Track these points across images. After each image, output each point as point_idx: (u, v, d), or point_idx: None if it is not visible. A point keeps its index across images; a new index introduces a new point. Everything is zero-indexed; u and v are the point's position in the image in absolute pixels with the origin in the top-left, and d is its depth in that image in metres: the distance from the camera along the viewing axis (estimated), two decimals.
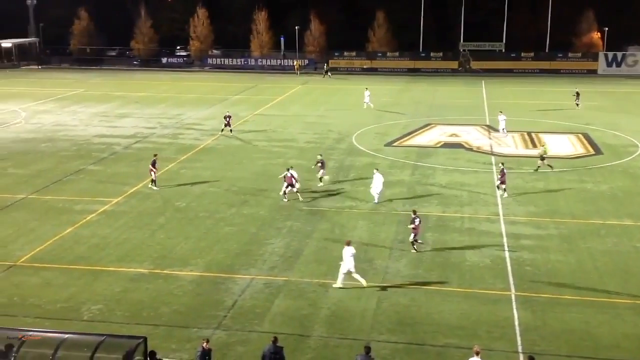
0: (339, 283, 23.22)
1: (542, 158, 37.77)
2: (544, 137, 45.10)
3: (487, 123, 51.66)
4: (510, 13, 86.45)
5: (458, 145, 44.55)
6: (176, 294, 22.89)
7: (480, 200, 32.92)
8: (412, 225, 26.05)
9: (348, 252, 23.19)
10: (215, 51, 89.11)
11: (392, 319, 21.20)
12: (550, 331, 20.48)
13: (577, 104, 57.40)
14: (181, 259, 25.74)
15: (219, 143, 45.00)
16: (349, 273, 23.14)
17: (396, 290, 23.10)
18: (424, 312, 21.65)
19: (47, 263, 25.18)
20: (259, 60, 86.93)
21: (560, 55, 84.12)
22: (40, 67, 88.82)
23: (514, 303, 22.26)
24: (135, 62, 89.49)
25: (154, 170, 33.91)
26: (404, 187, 35.01)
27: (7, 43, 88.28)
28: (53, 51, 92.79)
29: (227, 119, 47.26)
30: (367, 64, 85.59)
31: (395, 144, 45.04)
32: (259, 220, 30.00)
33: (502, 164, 34.37)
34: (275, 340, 17.48)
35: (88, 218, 29.91)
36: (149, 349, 16.82)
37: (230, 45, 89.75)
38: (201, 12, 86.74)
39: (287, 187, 32.13)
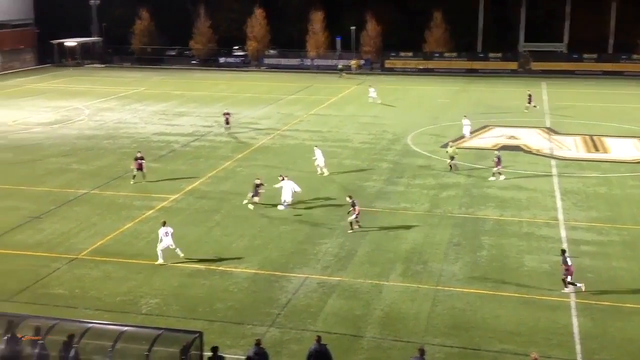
0: (160, 260, 24.77)
1: (452, 158, 37.35)
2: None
3: (547, 125, 50.58)
4: (572, 13, 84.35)
5: (517, 148, 43.73)
6: (231, 290, 23.16)
7: (539, 204, 32.25)
8: (354, 210, 28.02)
9: (162, 231, 24.79)
10: (271, 51, 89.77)
11: (447, 323, 20.97)
12: (610, 340, 19.93)
13: (534, 106, 55.83)
14: (236, 256, 26.03)
15: (275, 142, 45.32)
16: (167, 249, 24.69)
17: (451, 294, 22.84)
18: (480, 316, 21.34)
19: (108, 257, 25.81)
20: (315, 60, 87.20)
21: (625, 57, 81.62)
22: (103, 65, 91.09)
23: (573, 310, 21.74)
24: (193, 62, 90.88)
25: (139, 165, 35.08)
26: (459, 189, 34.58)
27: (71, 42, 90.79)
28: (115, 50, 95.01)
29: (226, 117, 47.64)
30: (423, 64, 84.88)
31: (451, 145, 44.42)
32: (313, 219, 30.08)
33: (497, 151, 37.72)
34: (319, 339, 17.53)
35: (147, 214, 30.54)
36: (204, 344, 17.08)
37: (286, 45, 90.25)
38: (258, 13, 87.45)
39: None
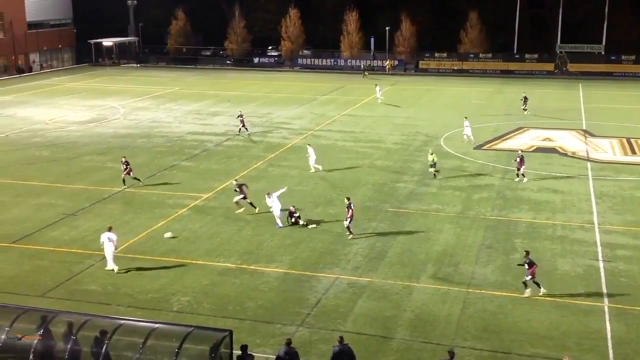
0: (109, 266, 24.27)
1: (433, 165, 36.26)
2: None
3: (584, 128, 49.77)
4: (611, 14, 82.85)
5: (552, 150, 43.14)
6: (261, 289, 23.25)
7: (574, 207, 31.75)
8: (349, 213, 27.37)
9: (105, 236, 24.19)
10: (305, 51, 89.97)
11: (478, 326, 20.76)
12: None
13: (523, 109, 55.09)
14: (267, 255, 26.13)
15: (307, 142, 45.31)
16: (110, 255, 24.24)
17: (482, 296, 22.61)
18: (511, 320, 21.08)
19: (140, 254, 26.12)
20: (349, 60, 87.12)
21: None
22: (138, 65, 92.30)
23: (606, 315, 21.35)
24: (228, 62, 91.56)
25: (129, 170, 34.23)
26: (493, 191, 34.22)
27: (108, 42, 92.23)
28: (151, 50, 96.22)
29: (241, 119, 47.26)
30: (457, 65, 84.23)
31: (485, 147, 44.09)
32: (344, 220, 29.98)
33: (520, 150, 37.09)
34: (341, 339, 17.56)
35: (179, 212, 30.83)
36: (234, 343, 17.16)
37: (320, 46, 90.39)
38: (293, 13, 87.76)
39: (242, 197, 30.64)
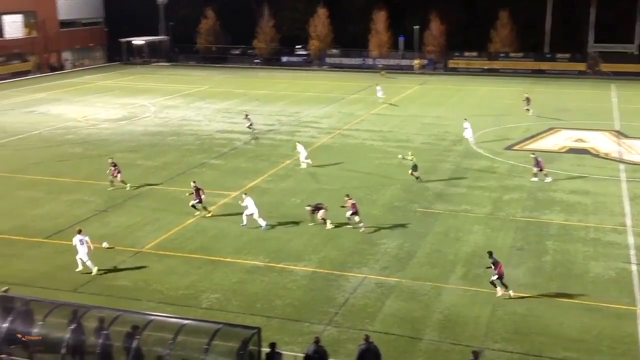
0: (90, 267, 24.14)
1: (414, 168, 35.52)
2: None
3: (617, 128, 49.02)
4: None
5: (584, 151, 42.54)
6: (290, 287, 23.30)
7: (606, 209, 31.28)
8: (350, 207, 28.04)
9: (77, 239, 24.11)
10: (333, 50, 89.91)
11: (508, 328, 20.57)
12: None
13: (526, 109, 54.20)
14: (295, 254, 26.18)
15: (335, 141, 45.36)
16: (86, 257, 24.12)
17: (512, 298, 22.37)
18: (542, 322, 20.84)
19: (170, 251, 26.35)
20: (377, 59, 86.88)
21: None
22: (169, 64, 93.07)
23: (639, 319, 20.99)
24: (256, 61, 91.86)
25: (116, 172, 33.82)
26: (524, 192, 33.86)
27: (139, 41, 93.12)
28: (181, 49, 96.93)
29: (247, 118, 47.44)
30: (487, 64, 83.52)
31: (515, 147, 43.63)
32: (372, 219, 29.95)
33: (533, 153, 36.67)
34: (367, 337, 17.55)
35: (209, 209, 31.00)
36: (263, 340, 17.22)
37: (348, 45, 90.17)
38: (322, 12, 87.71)
39: (197, 201, 29.97)
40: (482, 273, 24.30)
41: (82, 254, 24.15)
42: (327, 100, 62.09)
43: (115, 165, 34.22)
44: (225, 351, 16.91)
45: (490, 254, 22.84)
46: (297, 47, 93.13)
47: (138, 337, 16.78)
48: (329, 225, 28.62)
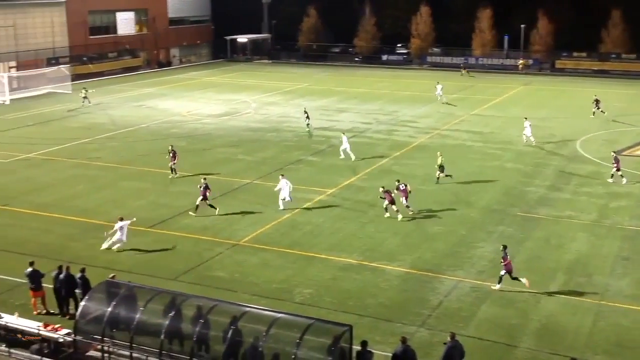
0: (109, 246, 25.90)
1: (441, 168, 34.81)
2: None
3: None
4: None
5: None
6: (382, 287, 23.20)
7: None
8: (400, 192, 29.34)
9: (118, 225, 25.65)
10: (435, 49, 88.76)
11: (610, 340, 19.64)
12: None
13: (601, 112, 51.28)
14: (389, 253, 26.03)
15: (433, 141, 44.76)
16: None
17: (616, 310, 21.36)
18: None
19: (266, 245, 26.83)
20: (480, 59, 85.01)
21: None
22: (270, 61, 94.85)
23: None
24: (356, 59, 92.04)
25: (174, 160, 35.74)
26: (632, 200, 32.21)
27: (242, 38, 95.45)
28: (283, 47, 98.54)
29: (306, 114, 48.00)
30: (597, 65, 80.00)
31: (625, 152, 41.51)
32: (470, 222, 29.37)
33: (614, 152, 36.23)
34: (404, 340, 17.25)
35: (304, 206, 31.34)
36: (354, 338, 17.23)
37: (450, 44, 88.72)
38: (424, 10, 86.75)
39: (201, 199, 29.99)
40: (585, 282, 23.34)
41: (117, 237, 25.90)
42: (426, 99, 61.34)
43: (174, 154, 35.83)
44: (316, 346, 17.01)
45: (504, 247, 22.98)
46: (397, 45, 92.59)
47: (233, 327, 17.18)
48: (399, 217, 29.40)
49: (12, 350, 18.41)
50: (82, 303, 18.73)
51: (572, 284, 23.27)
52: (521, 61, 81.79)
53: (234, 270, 24.51)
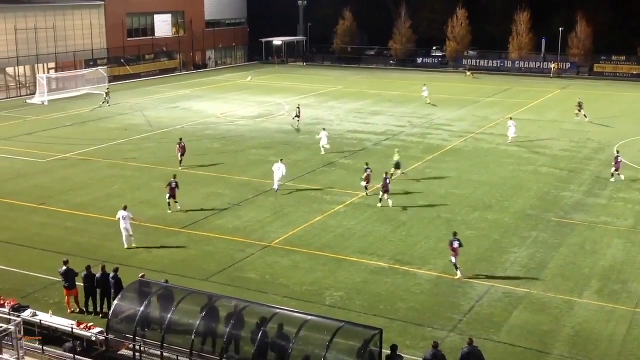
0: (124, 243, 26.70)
1: (397, 166, 36.16)
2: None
3: None
4: None
5: None
6: (413, 291, 23.08)
7: None
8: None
9: (120, 214, 26.48)
10: (470, 52, 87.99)
11: None
12: None
13: (583, 115, 50.91)
14: (420, 257, 25.89)
15: (467, 145, 44.39)
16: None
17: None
18: None
19: (297, 247, 26.90)
20: (516, 62, 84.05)
21: None
22: (305, 63, 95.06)
23: None
24: (391, 62, 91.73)
25: (180, 151, 38.36)
26: None
27: (277, 41, 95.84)
28: (318, 49, 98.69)
29: (298, 109, 50.65)
30: (637, 69, 78.49)
31: None
32: (503, 227, 29.06)
33: (617, 151, 36.52)
34: (436, 344, 17.18)
35: (336, 208, 31.36)
36: (384, 342, 17.17)
37: (486, 46, 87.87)
38: (460, 13, 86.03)
39: (169, 197, 30.83)
40: (619, 289, 22.94)
41: (122, 227, 26.53)
42: (461, 102, 60.88)
43: (182, 145, 38.45)
44: (346, 349, 17.01)
45: (454, 234, 24.35)
46: (433, 48, 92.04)
47: (263, 328, 17.26)
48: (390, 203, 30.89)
49: (45, 348, 18.75)
50: (115, 302, 19.01)
51: (606, 291, 22.88)
52: (553, 65, 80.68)
53: (265, 272, 24.63)
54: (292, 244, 27.17)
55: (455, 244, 23.72)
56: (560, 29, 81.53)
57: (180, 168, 37.51)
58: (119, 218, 26.58)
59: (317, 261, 25.56)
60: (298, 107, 51.21)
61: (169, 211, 30.72)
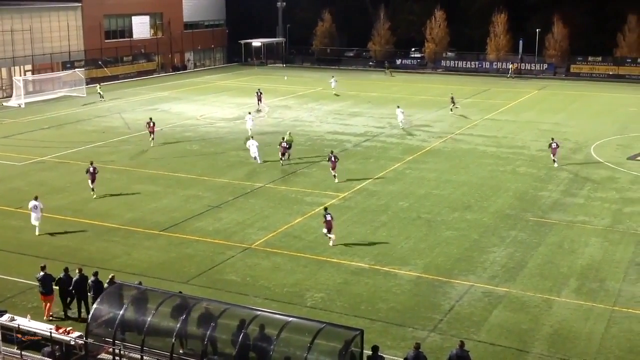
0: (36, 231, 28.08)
1: (288, 146, 39.40)
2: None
3: None
4: None
5: None
6: (394, 291, 23.15)
7: None
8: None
9: (32, 204, 28.02)
10: (449, 53, 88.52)
11: (623, 346, 19.49)
12: None
13: (456, 107, 54.86)
14: (401, 258, 25.98)
15: (446, 146, 44.64)
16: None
17: (629, 316, 21.20)
18: None
19: (278, 249, 26.86)
20: (494, 63, 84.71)
21: None
22: (284, 65, 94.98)
23: None
24: (370, 63, 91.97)
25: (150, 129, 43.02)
26: None
27: (257, 42, 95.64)
28: (297, 51, 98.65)
29: (258, 95, 54.66)
30: (613, 70, 79.50)
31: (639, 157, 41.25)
32: (482, 227, 29.26)
33: (552, 138, 39.74)
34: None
35: (317, 210, 31.32)
36: (365, 343, 17.20)
37: (465, 48, 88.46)
38: (439, 15, 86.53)
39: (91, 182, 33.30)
40: (598, 288, 23.20)
41: (34, 218, 27.93)
42: (439, 103, 61.16)
43: (151, 124, 43.49)
44: (327, 350, 17.02)
45: (325, 209, 27.74)
46: (411, 49, 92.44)
47: (244, 330, 17.20)
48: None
49: (24, 353, 18.54)
50: (94, 306, 18.85)
51: (584, 290, 23.12)
52: (512, 65, 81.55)
53: (246, 274, 24.56)
54: (273, 246, 27.12)
55: (328, 217, 26.88)
56: (537, 30, 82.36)
57: (152, 146, 42.42)
58: (30, 208, 28.06)
59: (297, 263, 25.55)
60: (259, 91, 53.87)
61: (94, 196, 32.80)
